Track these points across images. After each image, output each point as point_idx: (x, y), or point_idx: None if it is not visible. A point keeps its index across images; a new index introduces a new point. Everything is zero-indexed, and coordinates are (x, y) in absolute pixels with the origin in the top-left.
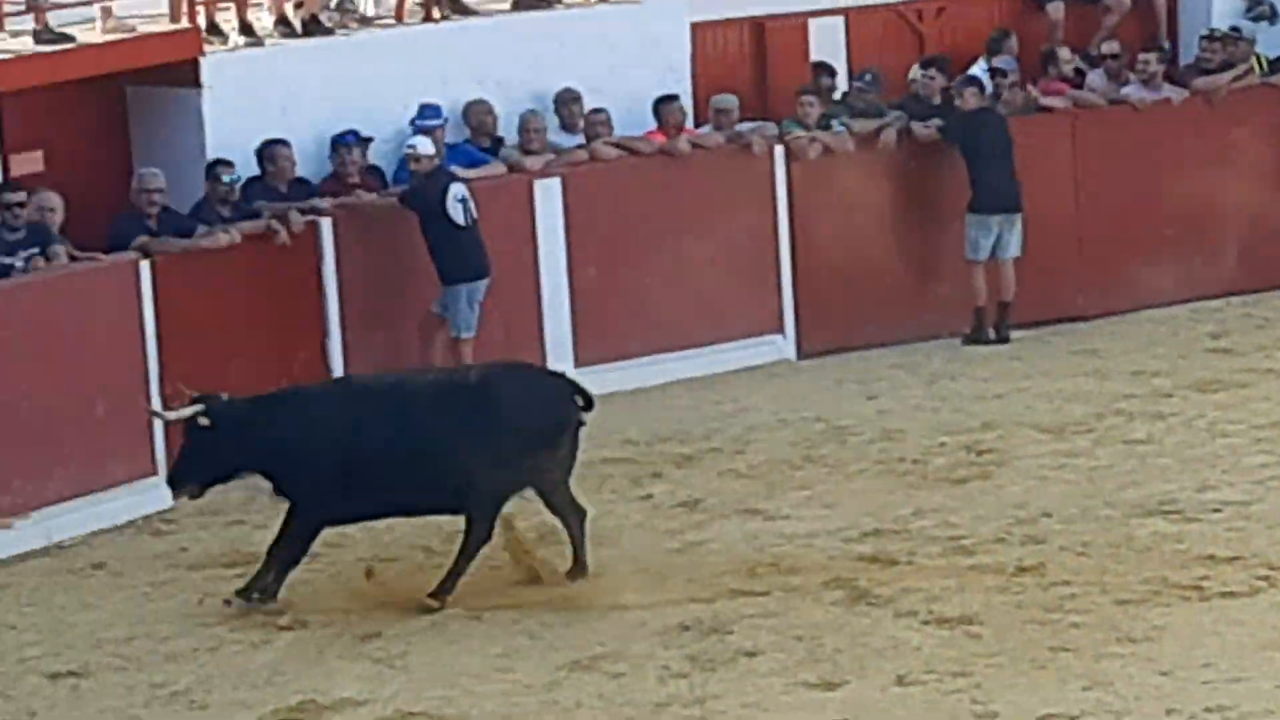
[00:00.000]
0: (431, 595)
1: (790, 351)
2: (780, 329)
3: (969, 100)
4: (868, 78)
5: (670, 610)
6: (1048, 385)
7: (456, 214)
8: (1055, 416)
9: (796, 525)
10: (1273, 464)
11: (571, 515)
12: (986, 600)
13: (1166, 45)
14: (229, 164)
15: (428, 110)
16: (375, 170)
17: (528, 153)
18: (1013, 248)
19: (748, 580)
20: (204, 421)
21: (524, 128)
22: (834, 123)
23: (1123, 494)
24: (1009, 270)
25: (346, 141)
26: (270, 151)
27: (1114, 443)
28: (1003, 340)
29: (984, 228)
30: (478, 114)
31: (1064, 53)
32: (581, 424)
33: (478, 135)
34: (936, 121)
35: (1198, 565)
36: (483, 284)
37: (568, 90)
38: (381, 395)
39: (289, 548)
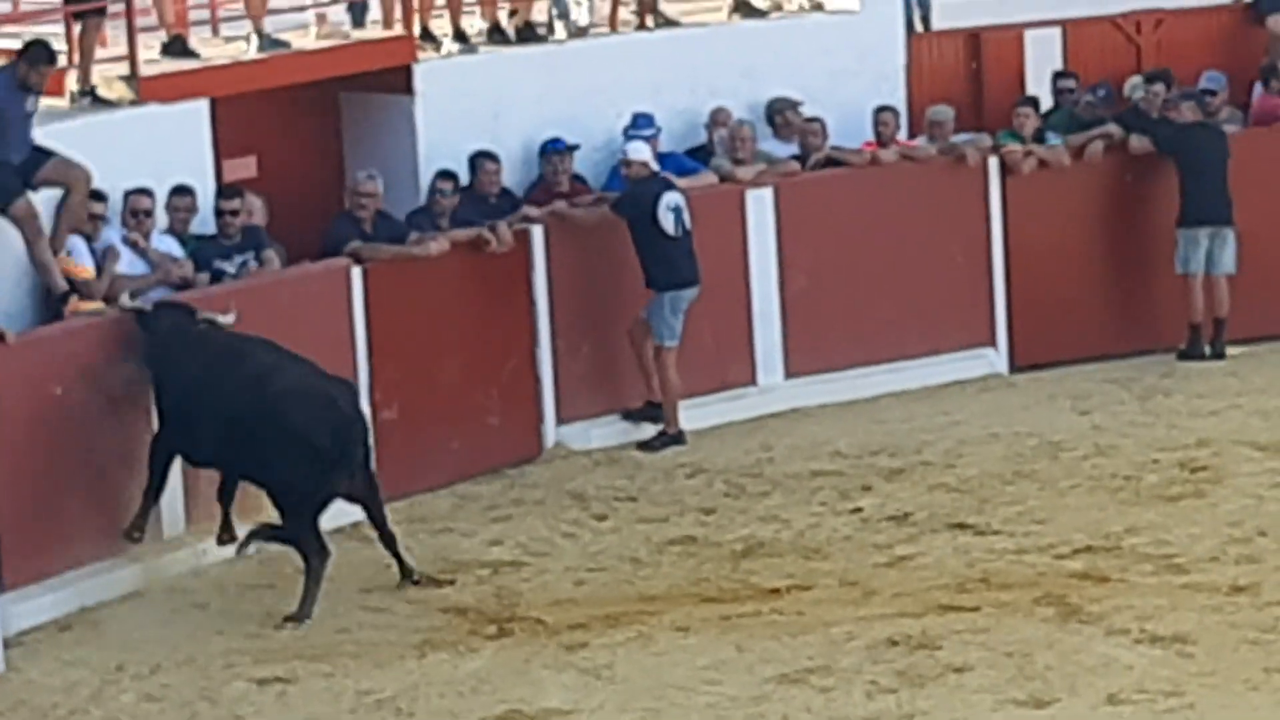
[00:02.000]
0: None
1: (1003, 365)
2: (993, 342)
3: (1184, 114)
4: (1101, 93)
5: (879, 625)
6: (1264, 402)
7: (667, 222)
8: (1272, 434)
9: (1007, 541)
10: None
11: None
12: (1200, 619)
13: None
14: (453, 176)
15: (641, 120)
16: (580, 178)
17: (737, 162)
18: (1225, 263)
19: (957, 595)
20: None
21: (733, 137)
22: (1049, 135)
23: None
24: (1223, 286)
25: (555, 148)
26: (477, 163)
27: None
28: (1218, 356)
29: (1192, 241)
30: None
31: None
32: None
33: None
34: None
35: None
36: (689, 293)
37: (782, 99)
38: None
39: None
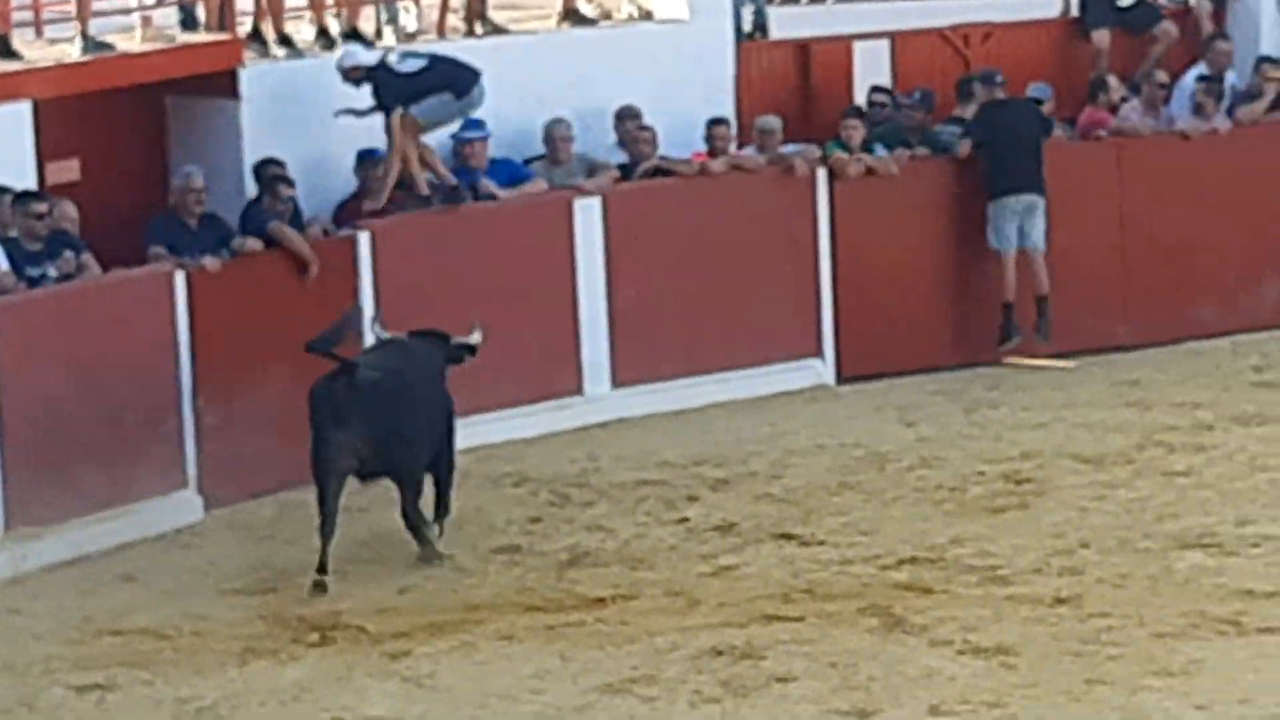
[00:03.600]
0: None
1: (829, 376)
2: (820, 353)
3: (985, 94)
4: (916, 96)
5: (704, 634)
6: (1088, 415)
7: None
8: (1095, 447)
9: (832, 551)
10: None
11: None
12: (1023, 631)
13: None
14: (289, 182)
15: (471, 123)
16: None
17: (555, 162)
18: (1037, 237)
19: (782, 606)
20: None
21: (549, 137)
22: (876, 147)
23: (1162, 526)
24: (1040, 262)
25: (371, 157)
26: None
27: (1154, 474)
28: (1044, 337)
29: (1002, 213)
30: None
31: (1113, 81)
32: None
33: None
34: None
35: (1236, 599)
36: None
37: (627, 107)
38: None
39: None
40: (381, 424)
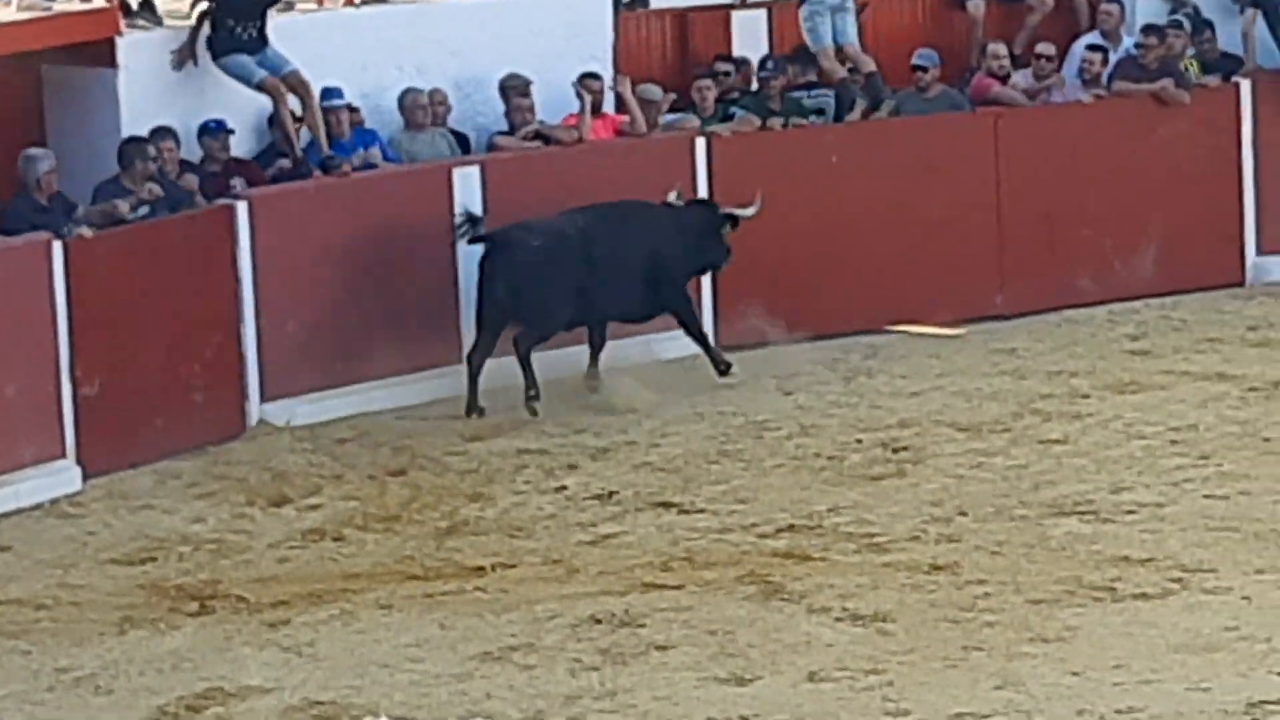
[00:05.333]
0: None
1: None
2: None
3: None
4: (770, 65)
5: (583, 603)
6: (965, 384)
7: None
8: (972, 415)
9: (711, 520)
10: (1187, 466)
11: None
12: (900, 598)
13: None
14: (153, 157)
15: (330, 92)
16: (241, 160)
17: (416, 127)
18: (851, 32)
19: (661, 574)
20: None
21: (406, 105)
22: (738, 112)
23: (1038, 494)
24: (857, 50)
25: (210, 129)
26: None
27: (1030, 442)
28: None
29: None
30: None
31: (999, 48)
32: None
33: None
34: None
35: (1111, 566)
36: None
37: (513, 76)
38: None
39: None
40: (514, 279)
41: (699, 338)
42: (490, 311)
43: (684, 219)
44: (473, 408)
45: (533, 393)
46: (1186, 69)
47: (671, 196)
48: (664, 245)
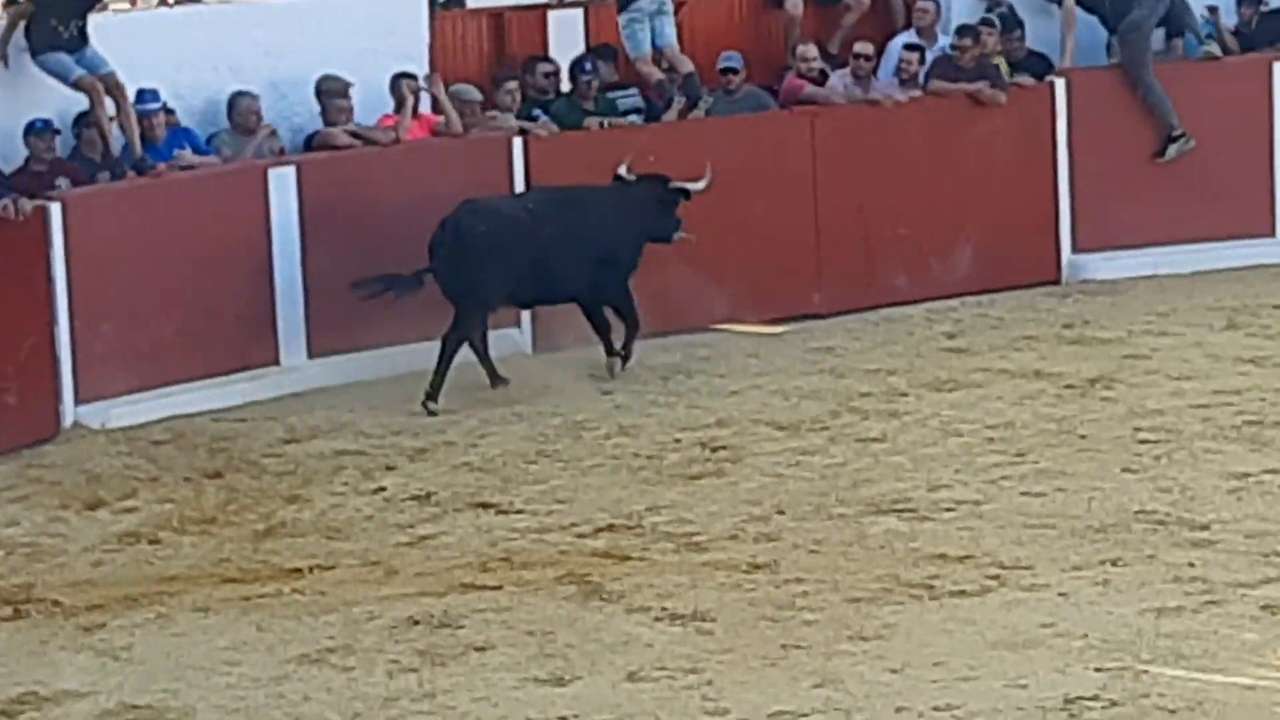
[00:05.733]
0: None
1: (527, 345)
2: (517, 322)
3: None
4: (587, 65)
5: (401, 604)
6: (784, 383)
7: None
8: (791, 414)
9: (530, 520)
10: (1004, 464)
11: None
12: (719, 597)
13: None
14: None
15: (146, 94)
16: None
17: (247, 132)
18: (670, 34)
19: (480, 575)
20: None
21: (234, 109)
22: (540, 115)
23: (856, 492)
24: (675, 51)
25: (35, 129)
26: None
27: (848, 441)
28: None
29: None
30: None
31: (809, 50)
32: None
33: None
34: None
35: (929, 564)
36: None
37: (331, 78)
38: None
39: None
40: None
41: (629, 326)
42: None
43: (635, 194)
44: (495, 379)
45: (430, 390)
46: (998, 68)
47: (622, 170)
48: (615, 229)
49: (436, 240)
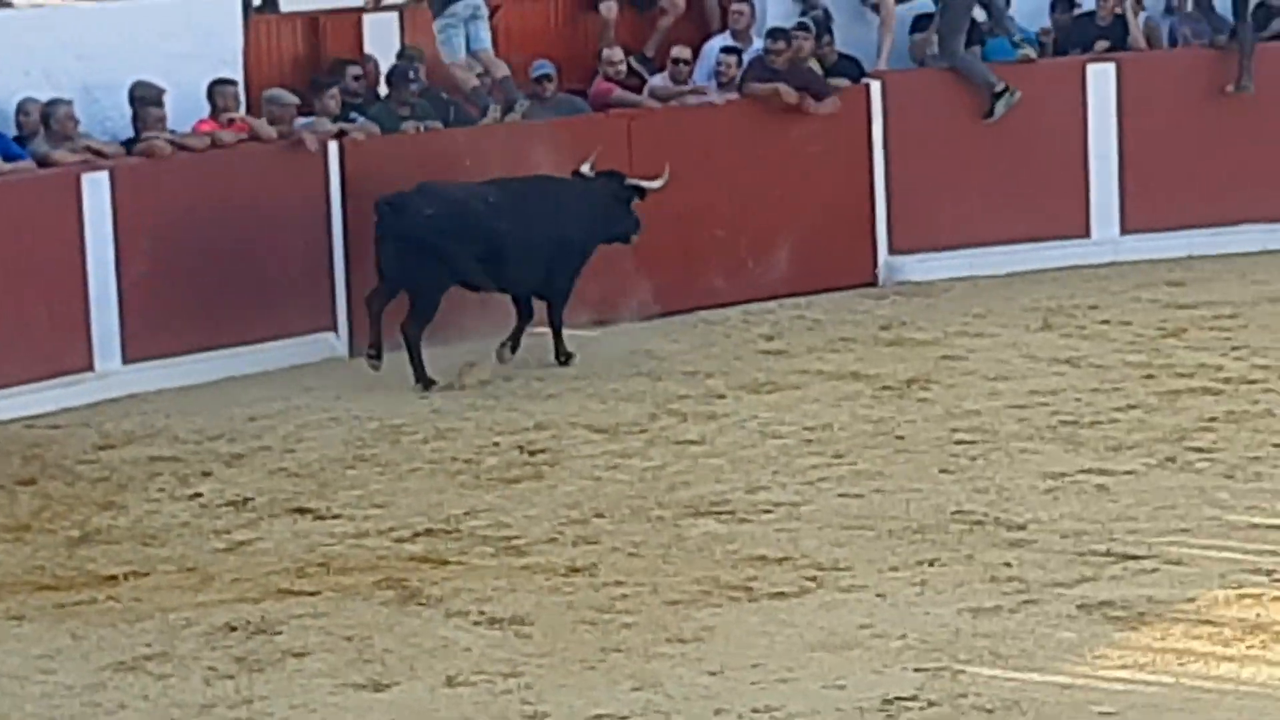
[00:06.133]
0: None
1: (343, 349)
2: (334, 326)
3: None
4: (405, 69)
5: (217, 610)
6: (601, 386)
7: None
8: (608, 416)
9: (347, 525)
10: (822, 465)
11: None
12: (538, 600)
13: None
14: None
15: None
16: None
17: (65, 139)
18: (485, 38)
19: (297, 580)
20: None
21: (51, 117)
22: (358, 118)
23: (675, 494)
24: (490, 55)
25: None
26: None
27: (667, 443)
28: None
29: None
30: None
31: (614, 54)
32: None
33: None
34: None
35: (748, 566)
36: None
37: (145, 84)
38: None
39: None
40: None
41: (558, 324)
42: (386, 275)
43: (593, 191)
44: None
45: (420, 383)
46: (814, 72)
47: (585, 167)
48: (574, 223)
49: (381, 226)
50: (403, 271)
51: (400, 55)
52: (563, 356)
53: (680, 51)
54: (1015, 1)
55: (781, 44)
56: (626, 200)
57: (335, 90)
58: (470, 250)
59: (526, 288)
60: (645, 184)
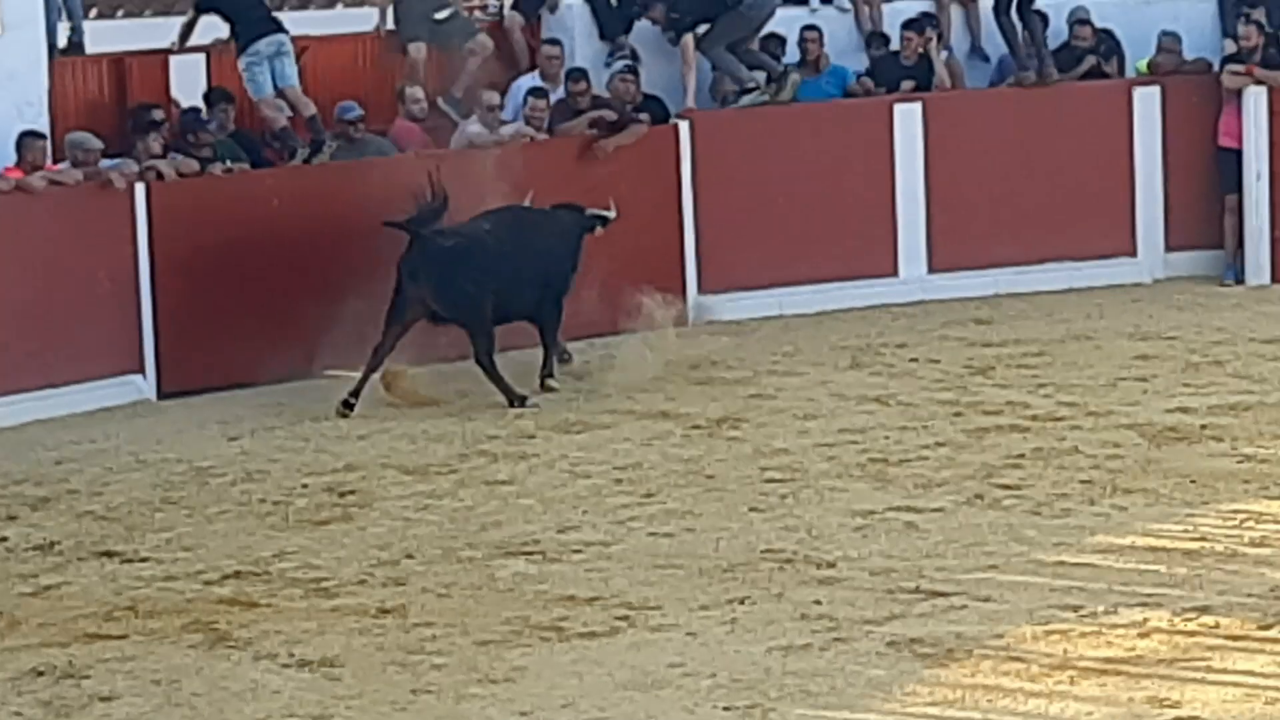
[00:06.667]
0: None
1: (150, 391)
2: (140, 369)
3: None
4: (206, 117)
5: (24, 655)
6: (411, 426)
7: None
8: (418, 457)
9: (156, 568)
10: (633, 504)
11: None
12: (348, 642)
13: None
14: None
15: None
16: None
17: None
18: (291, 75)
19: (105, 624)
20: None
21: None
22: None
23: (485, 535)
24: (298, 93)
25: None
26: None
27: (477, 483)
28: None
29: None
30: None
31: (416, 92)
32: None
33: None
34: None
35: (558, 605)
36: None
37: None
38: None
39: None
40: (445, 279)
41: (550, 344)
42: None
43: (566, 219)
44: (347, 404)
45: (515, 403)
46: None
47: (526, 201)
48: (559, 252)
49: (411, 267)
50: (453, 307)
51: (207, 96)
52: (550, 379)
53: (490, 97)
54: (830, 40)
55: (583, 84)
56: (589, 229)
57: (156, 134)
58: (492, 274)
59: (526, 317)
60: (604, 213)
